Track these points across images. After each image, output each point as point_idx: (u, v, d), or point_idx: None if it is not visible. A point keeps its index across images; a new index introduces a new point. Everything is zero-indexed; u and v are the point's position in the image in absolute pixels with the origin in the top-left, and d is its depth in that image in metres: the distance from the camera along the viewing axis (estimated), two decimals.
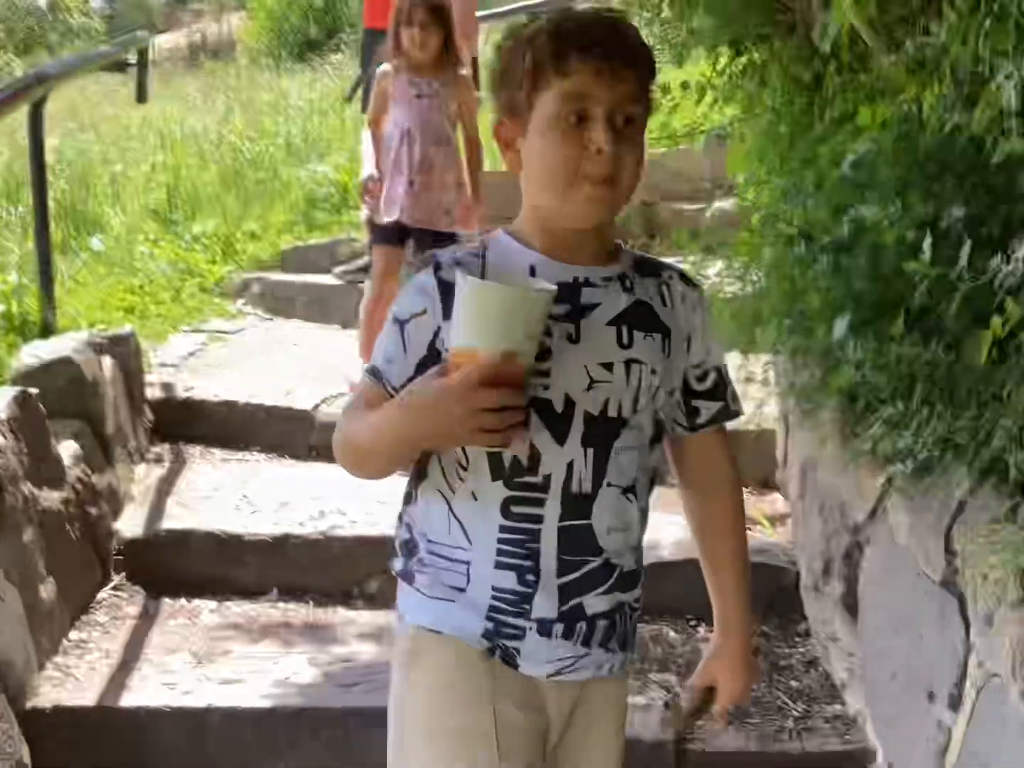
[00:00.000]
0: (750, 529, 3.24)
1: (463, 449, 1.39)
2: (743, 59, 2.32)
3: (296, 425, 3.85)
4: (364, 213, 4.15)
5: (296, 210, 6.94)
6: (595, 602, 1.43)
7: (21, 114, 3.97)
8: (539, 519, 1.39)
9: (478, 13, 7.07)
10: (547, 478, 1.39)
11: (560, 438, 1.38)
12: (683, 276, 1.50)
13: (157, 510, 3.26)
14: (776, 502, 3.48)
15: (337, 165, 7.40)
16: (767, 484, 3.60)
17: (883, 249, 1.85)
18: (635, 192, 1.40)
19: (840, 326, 1.83)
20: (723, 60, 2.36)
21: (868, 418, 2.18)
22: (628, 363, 1.39)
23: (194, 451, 3.84)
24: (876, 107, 1.65)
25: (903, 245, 1.77)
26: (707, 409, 1.51)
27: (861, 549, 2.42)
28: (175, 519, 3.19)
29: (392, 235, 4.02)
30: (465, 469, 1.40)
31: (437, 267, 1.39)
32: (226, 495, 3.36)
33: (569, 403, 1.37)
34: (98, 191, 7.13)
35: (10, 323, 4.06)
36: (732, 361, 2.83)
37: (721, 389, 1.51)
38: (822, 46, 1.69)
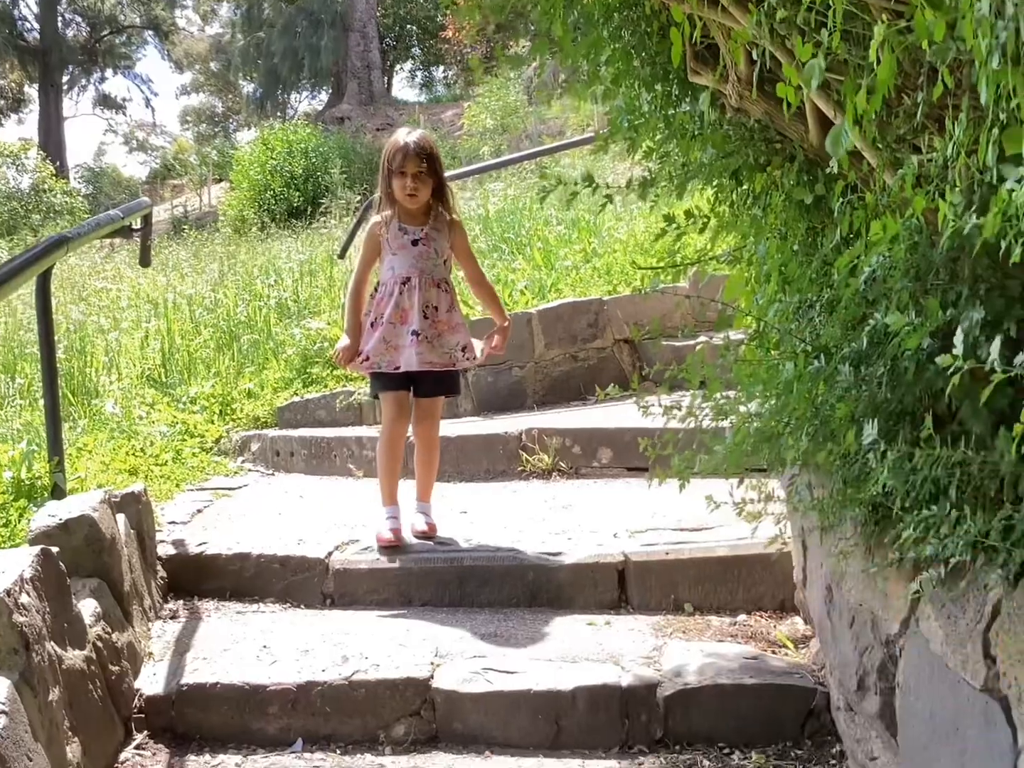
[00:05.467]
0: (775, 652, 3.23)
1: None
2: (743, 187, 2.43)
3: (310, 574, 3.81)
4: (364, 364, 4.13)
5: (291, 367, 7.01)
6: None
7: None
8: None
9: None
10: None
11: None
12: None
13: (176, 666, 3.20)
14: (796, 624, 3.46)
15: (330, 321, 7.50)
16: (784, 607, 3.60)
17: (902, 358, 1.91)
18: None
19: (869, 430, 1.87)
20: (724, 191, 2.47)
21: (893, 528, 2.19)
22: None
23: (209, 605, 3.81)
24: (886, 222, 1.73)
25: (921, 351, 1.83)
26: None
27: (895, 661, 2.40)
28: (195, 673, 3.12)
29: (400, 381, 4.07)
30: None
31: None
32: (245, 647, 3.31)
33: None
34: (94, 359, 7.24)
35: (18, 489, 4.08)
36: (748, 483, 2.87)
37: None
38: (831, 168, 1.78)
